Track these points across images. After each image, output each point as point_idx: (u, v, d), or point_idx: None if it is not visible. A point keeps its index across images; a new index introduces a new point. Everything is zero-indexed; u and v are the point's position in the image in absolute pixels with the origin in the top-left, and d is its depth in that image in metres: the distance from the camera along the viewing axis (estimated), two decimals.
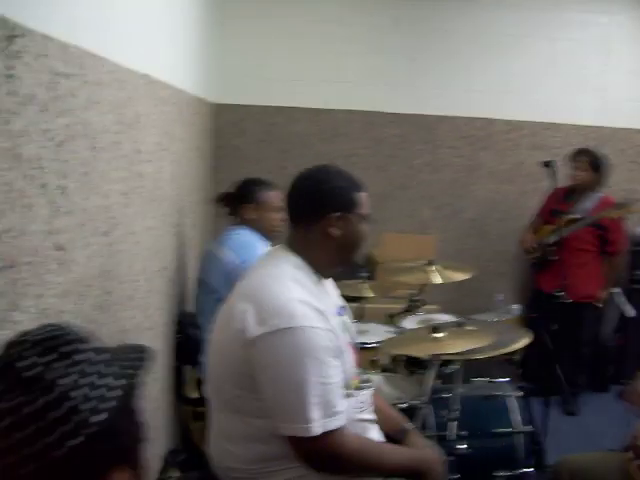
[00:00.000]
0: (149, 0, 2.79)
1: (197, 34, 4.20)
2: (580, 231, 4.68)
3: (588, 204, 4.79)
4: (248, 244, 3.29)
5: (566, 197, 4.90)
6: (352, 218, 2.09)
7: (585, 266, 4.78)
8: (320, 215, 2.05)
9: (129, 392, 1.11)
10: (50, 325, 1.12)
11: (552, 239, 4.68)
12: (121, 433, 1.09)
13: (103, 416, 1.03)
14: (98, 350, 1.12)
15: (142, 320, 2.67)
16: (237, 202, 3.46)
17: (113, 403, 1.06)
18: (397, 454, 2.16)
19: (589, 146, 5.02)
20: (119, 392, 1.08)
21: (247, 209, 3.41)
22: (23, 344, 1.06)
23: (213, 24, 4.81)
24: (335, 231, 2.06)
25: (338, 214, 2.05)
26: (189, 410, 3.59)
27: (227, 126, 5.31)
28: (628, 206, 4.46)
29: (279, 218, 3.33)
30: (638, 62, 5.68)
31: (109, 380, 1.08)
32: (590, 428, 4.64)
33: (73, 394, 1.03)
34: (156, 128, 2.88)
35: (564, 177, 5.47)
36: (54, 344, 1.07)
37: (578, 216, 4.72)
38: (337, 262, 2.15)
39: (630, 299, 5.17)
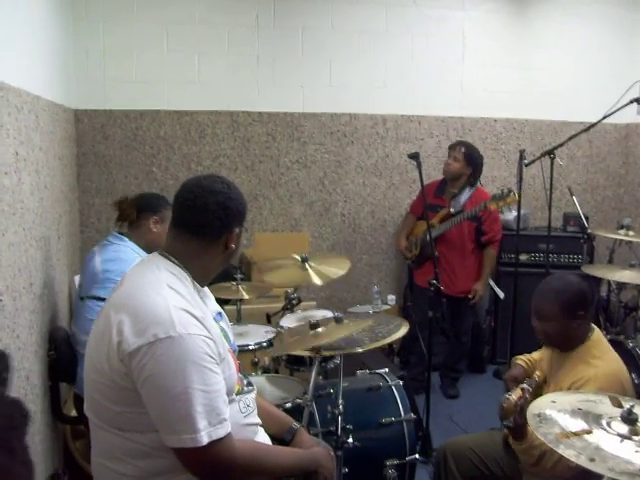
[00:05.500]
0: None
1: (51, 37, 4.00)
2: (458, 225, 4.77)
3: (463, 198, 4.90)
4: (120, 260, 3.17)
5: (438, 191, 5.00)
6: (241, 232, 2.12)
7: (464, 260, 4.92)
8: (225, 231, 2.05)
9: None
10: None
11: (432, 235, 4.59)
12: None
13: None
14: None
15: (10, 342, 2.52)
16: (138, 209, 3.33)
17: None
18: (287, 456, 2.15)
19: (466, 140, 5.19)
20: None
21: (148, 219, 3.30)
22: None
23: (67, 27, 4.62)
24: (232, 246, 2.08)
25: (237, 230, 2.09)
26: (68, 429, 3.46)
27: (90, 132, 5.12)
28: (505, 198, 4.52)
29: None
30: (492, 55, 5.93)
31: None
32: (472, 409, 4.79)
33: None
34: (12, 138, 2.74)
35: (429, 168, 5.64)
36: None
37: (452, 211, 4.83)
38: (217, 272, 2.16)
39: (499, 282, 5.37)
